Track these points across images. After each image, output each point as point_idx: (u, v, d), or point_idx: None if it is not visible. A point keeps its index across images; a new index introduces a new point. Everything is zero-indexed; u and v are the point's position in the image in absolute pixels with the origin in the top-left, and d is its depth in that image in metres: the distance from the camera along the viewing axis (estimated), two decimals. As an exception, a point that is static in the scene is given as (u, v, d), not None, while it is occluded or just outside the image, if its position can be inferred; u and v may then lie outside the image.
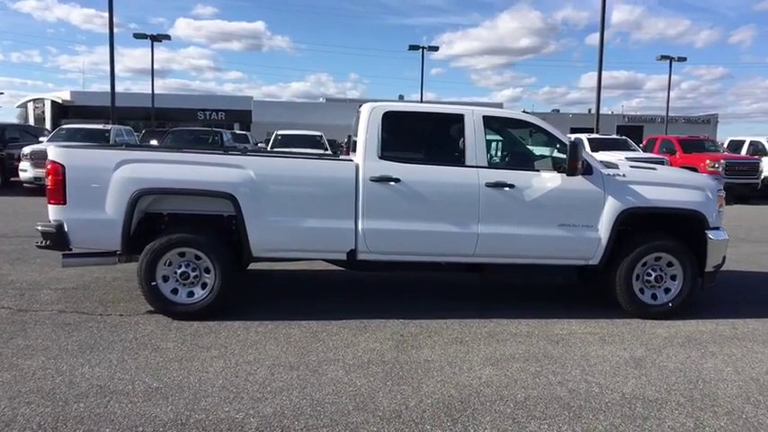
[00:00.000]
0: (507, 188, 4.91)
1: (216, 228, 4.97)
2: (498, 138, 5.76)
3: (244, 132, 24.48)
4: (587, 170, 4.97)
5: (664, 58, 39.17)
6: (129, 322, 4.71)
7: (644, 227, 5.19)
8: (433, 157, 5.13)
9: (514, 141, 5.68)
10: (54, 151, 4.70)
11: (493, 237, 4.93)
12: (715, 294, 5.80)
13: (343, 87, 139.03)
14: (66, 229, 4.65)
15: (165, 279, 4.80)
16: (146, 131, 20.39)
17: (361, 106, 5.57)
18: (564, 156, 5.09)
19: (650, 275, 5.13)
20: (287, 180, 4.80)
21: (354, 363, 4.03)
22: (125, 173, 4.63)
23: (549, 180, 4.98)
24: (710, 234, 5.12)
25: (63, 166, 4.61)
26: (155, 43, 32.00)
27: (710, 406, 3.51)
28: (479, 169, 4.93)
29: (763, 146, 17.42)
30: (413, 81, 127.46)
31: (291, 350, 4.23)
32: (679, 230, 5.21)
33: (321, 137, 16.29)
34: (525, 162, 5.28)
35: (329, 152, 14.99)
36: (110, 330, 4.51)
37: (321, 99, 64.27)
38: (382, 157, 4.87)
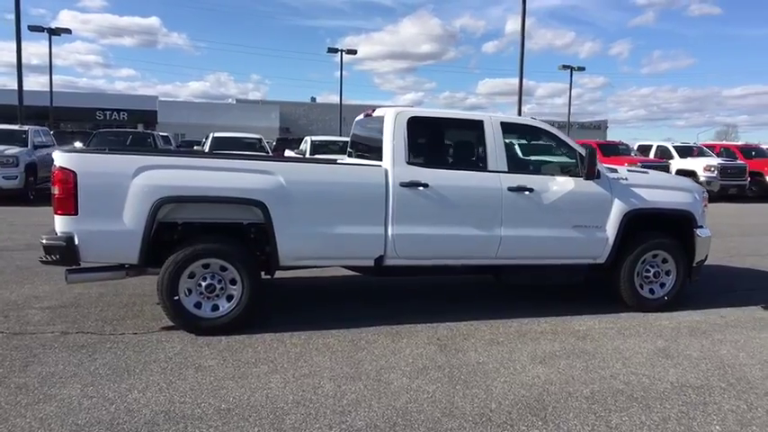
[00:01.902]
0: (527, 192, 5.09)
1: (233, 236, 4.75)
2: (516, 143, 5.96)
3: (165, 134, 23.21)
4: (597, 174, 5.27)
5: (565, 67, 41.94)
6: (150, 341, 4.37)
7: (642, 226, 5.57)
8: (456, 162, 5.22)
9: (531, 147, 5.89)
10: (62, 157, 4.26)
11: (514, 239, 5.09)
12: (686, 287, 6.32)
13: (244, 88, 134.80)
14: (76, 243, 4.23)
15: (188, 292, 4.51)
16: (54, 132, 18.71)
17: (373, 111, 5.55)
18: (572, 161, 5.39)
19: (649, 272, 5.54)
20: (317, 186, 4.67)
21: (411, 369, 4.01)
22: (146, 180, 4.29)
23: (563, 184, 5.22)
24: (698, 232, 5.62)
25: (74, 173, 4.19)
26: (37, 37, 29.45)
27: (749, 389, 3.86)
28: (500, 174, 5.08)
29: (668, 149, 19.23)
30: (317, 83, 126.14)
31: (341, 360, 4.13)
32: (670, 229, 5.66)
33: (261, 140, 15.81)
34: (538, 167, 5.50)
35: (271, 155, 14.62)
36: (134, 351, 4.16)
37: (230, 100, 62.33)
38: (410, 163, 4.88)
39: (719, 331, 5.06)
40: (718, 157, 19.15)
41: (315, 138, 16.54)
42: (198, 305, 4.53)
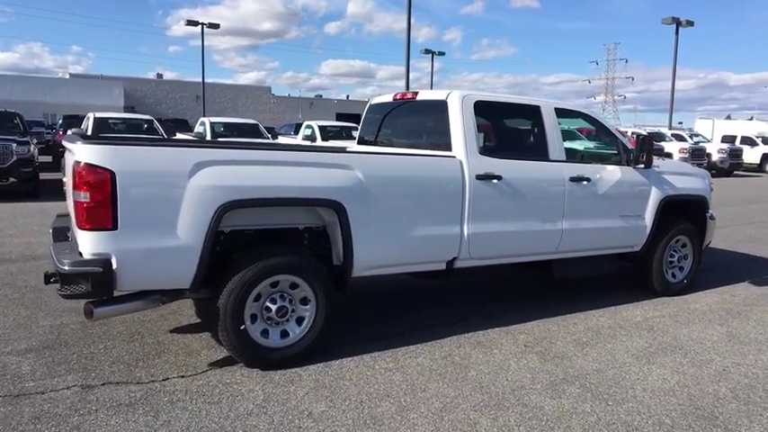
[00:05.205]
0: (585, 182, 4.88)
1: (286, 244, 3.92)
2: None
3: (14, 111, 19.35)
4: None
5: (427, 51, 43.30)
6: (213, 385, 3.41)
7: (668, 212, 5.64)
8: (522, 151, 4.80)
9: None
10: (92, 151, 3.09)
11: (573, 232, 4.86)
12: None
13: (63, 61, 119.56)
14: (114, 267, 3.12)
15: (254, 319, 3.61)
16: None
17: (414, 94, 4.92)
18: (613, 150, 5.30)
19: (673, 256, 5.67)
20: (396, 181, 3.99)
21: (542, 387, 3.59)
22: (207, 179, 3.29)
23: (613, 173, 5.09)
24: (708, 216, 5.87)
25: (111, 174, 3.07)
26: None
27: (840, 368, 4.06)
28: (561, 164, 4.80)
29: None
30: (145, 57, 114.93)
31: (458, 384, 3.57)
32: (686, 214, 5.83)
33: (152, 121, 13.82)
34: (585, 156, 5.31)
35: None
36: (207, 402, 3.20)
37: (62, 73, 54.65)
38: (482, 153, 4.38)
39: (749, 311, 5.31)
40: (587, 139, 20.97)
41: (214, 119, 14.94)
42: (265, 333, 3.65)
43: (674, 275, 5.73)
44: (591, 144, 12.19)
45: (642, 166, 5.06)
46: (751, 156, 27.17)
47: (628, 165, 5.17)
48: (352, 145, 6.10)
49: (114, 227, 3.10)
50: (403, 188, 4.02)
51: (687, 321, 4.96)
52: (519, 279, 6.12)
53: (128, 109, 46.94)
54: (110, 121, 13.34)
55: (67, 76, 50.36)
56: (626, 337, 4.52)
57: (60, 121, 18.53)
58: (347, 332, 4.33)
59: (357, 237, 3.80)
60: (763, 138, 28.54)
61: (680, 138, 25.32)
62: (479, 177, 4.29)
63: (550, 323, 4.78)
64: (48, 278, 3.70)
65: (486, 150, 4.42)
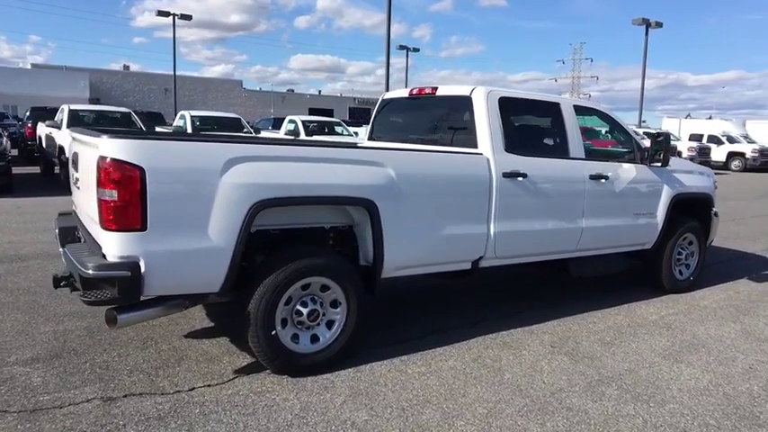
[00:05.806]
0: (603, 180, 4.84)
1: (311, 244, 3.75)
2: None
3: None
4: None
5: (401, 47, 43.22)
6: (244, 394, 3.23)
7: (677, 210, 5.66)
8: (544, 149, 4.73)
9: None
10: (120, 146, 2.86)
11: (592, 230, 4.82)
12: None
13: (21, 51, 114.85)
14: (143, 270, 2.91)
15: (284, 323, 3.43)
16: None
17: (434, 89, 4.79)
18: (627, 148, 5.28)
19: (681, 254, 5.70)
20: (427, 179, 3.85)
21: (580, 390, 3.52)
22: (239, 176, 3.10)
23: (628, 171, 5.07)
24: (713, 213, 5.92)
25: (141, 170, 2.85)
26: None
27: None
28: (581, 161, 4.75)
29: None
30: (109, 48, 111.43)
31: (497, 388, 3.47)
32: (691, 212, 5.85)
33: (130, 114, 13.29)
34: (599, 153, 5.28)
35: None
36: (241, 414, 3.03)
37: (21, 63, 52.58)
38: (507, 150, 4.28)
39: (756, 307, 5.37)
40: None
41: (194, 113, 14.49)
42: (295, 338, 3.48)
43: (681, 273, 5.76)
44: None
45: (659, 164, 5.05)
46: (717, 154, 27.95)
47: (642, 163, 5.16)
48: (362, 140, 5.92)
49: (143, 227, 2.89)
50: (433, 186, 3.89)
51: (701, 319, 4.98)
52: (526, 278, 6.06)
53: (93, 101, 45.50)
54: (84, 113, 12.80)
55: (29, 67, 48.46)
56: (647, 336, 4.50)
57: (28, 114, 17.76)
58: (370, 335, 4.18)
59: (388, 236, 3.66)
60: (728, 136, 29.41)
61: (651, 136, 25.81)
62: (506, 175, 4.20)
63: (570, 322, 4.73)
64: (57, 282, 3.47)
65: (511, 147, 4.32)
